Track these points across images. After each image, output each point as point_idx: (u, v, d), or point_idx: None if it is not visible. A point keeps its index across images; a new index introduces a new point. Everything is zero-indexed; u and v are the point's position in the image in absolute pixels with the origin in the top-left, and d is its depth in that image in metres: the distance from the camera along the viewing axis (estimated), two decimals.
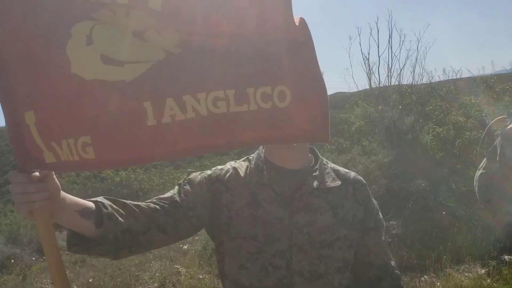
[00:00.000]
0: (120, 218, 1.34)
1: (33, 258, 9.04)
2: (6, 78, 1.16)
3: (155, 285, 5.51)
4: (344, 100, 16.88)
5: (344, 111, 13.77)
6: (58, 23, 1.11)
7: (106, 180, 14.89)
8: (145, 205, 1.43)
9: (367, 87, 10.40)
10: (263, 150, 1.58)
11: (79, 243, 1.33)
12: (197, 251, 6.43)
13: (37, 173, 1.22)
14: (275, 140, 1.33)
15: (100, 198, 1.38)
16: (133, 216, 1.38)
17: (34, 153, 1.20)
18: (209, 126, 1.22)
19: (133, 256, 7.58)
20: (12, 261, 8.49)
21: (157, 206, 1.44)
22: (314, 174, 1.51)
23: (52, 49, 1.11)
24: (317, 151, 1.62)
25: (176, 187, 1.54)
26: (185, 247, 6.96)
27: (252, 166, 1.54)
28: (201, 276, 5.39)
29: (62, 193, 1.28)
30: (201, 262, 5.99)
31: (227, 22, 1.21)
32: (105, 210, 1.32)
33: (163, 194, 1.52)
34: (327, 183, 1.51)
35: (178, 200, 1.47)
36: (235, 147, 1.30)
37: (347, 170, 1.63)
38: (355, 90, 11.42)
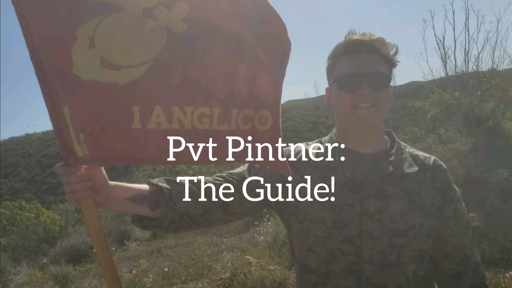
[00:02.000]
0: (178, 203, 1.36)
1: (113, 248, 9.55)
2: (44, 74, 1.21)
3: (227, 275, 5.59)
4: (417, 89, 16.22)
5: (418, 100, 13.20)
6: (66, 25, 1.15)
7: (180, 174, 15.40)
8: (212, 182, 1.45)
9: (443, 74, 9.85)
10: (336, 132, 1.52)
11: (139, 219, 1.39)
12: (268, 242, 6.45)
13: (85, 166, 1.27)
14: (239, 159, 1.38)
15: (160, 181, 1.39)
16: (193, 199, 1.39)
17: (72, 148, 1.24)
18: (191, 139, 1.27)
19: (205, 247, 7.77)
20: (94, 251, 9.00)
21: (225, 182, 1.45)
22: (390, 159, 1.42)
23: (61, 51, 1.16)
24: (394, 134, 1.53)
25: (246, 164, 1.53)
26: (260, 239, 7.01)
27: (323, 149, 1.49)
28: (271, 267, 5.39)
29: (112, 183, 1.32)
30: (272, 253, 6.00)
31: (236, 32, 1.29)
32: (163, 197, 1.35)
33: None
34: (403, 169, 1.42)
35: (247, 177, 1.47)
36: (206, 162, 1.33)
37: (427, 155, 1.51)
38: (430, 78, 10.84)
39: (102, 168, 1.29)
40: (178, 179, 1.43)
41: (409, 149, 1.51)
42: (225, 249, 7.36)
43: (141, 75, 1.19)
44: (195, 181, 1.44)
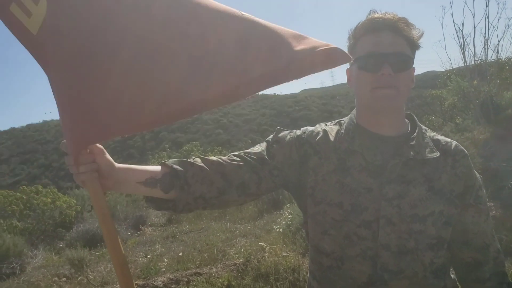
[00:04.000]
0: (193, 187, 1.34)
1: (129, 233, 9.65)
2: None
3: (241, 260, 5.61)
4: (435, 78, 15.96)
5: (435, 89, 13.01)
6: None
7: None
8: (229, 161, 1.42)
9: (461, 64, 9.69)
10: (355, 114, 1.48)
11: (153, 200, 1.38)
12: (282, 229, 6.45)
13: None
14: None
15: (175, 163, 1.37)
16: (208, 182, 1.37)
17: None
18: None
19: (220, 233, 7.81)
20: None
21: (242, 162, 1.42)
22: (411, 143, 1.38)
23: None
24: (415, 117, 1.49)
25: (264, 143, 1.51)
26: (274, 226, 7.01)
27: (343, 130, 1.45)
28: (285, 254, 5.39)
29: (121, 167, 1.32)
30: (285, 240, 6.00)
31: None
32: (177, 181, 1.33)
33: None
34: (424, 154, 1.38)
35: (266, 157, 1.44)
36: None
37: (448, 140, 1.47)
38: (448, 67, 10.63)
39: (105, 153, 1.29)
40: (193, 159, 1.41)
41: (430, 133, 1.47)
42: (239, 235, 7.38)
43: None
44: (211, 162, 1.41)
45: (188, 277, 5.51)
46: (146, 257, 6.96)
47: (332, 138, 1.45)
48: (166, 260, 6.39)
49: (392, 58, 1.32)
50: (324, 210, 1.40)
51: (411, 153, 1.36)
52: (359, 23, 1.40)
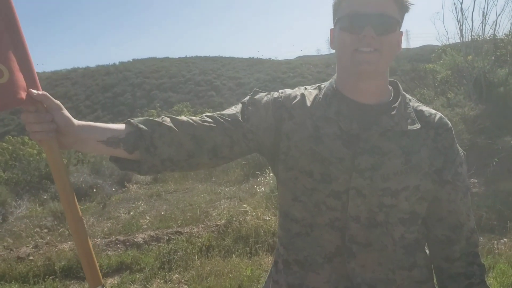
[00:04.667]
0: (159, 148, 1.27)
1: (113, 189, 9.67)
2: None
3: (222, 222, 5.64)
4: (431, 52, 15.80)
5: (430, 63, 12.89)
6: None
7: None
8: (201, 123, 1.34)
9: (458, 39, 9.52)
10: (336, 79, 1.40)
11: (117, 160, 1.32)
12: (266, 193, 6.47)
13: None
14: None
15: (141, 122, 1.30)
16: (177, 144, 1.30)
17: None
18: None
19: (204, 194, 7.85)
20: (94, 190, 9.14)
21: (215, 124, 1.35)
22: (392, 113, 1.31)
23: None
24: (400, 85, 1.41)
25: (240, 105, 1.43)
26: (258, 189, 7.05)
27: (321, 96, 1.38)
28: (267, 218, 5.43)
29: (81, 124, 1.26)
30: (268, 204, 6.03)
31: None
32: (142, 142, 1.27)
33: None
34: (404, 125, 1.31)
35: (240, 119, 1.37)
36: None
37: (433, 111, 1.39)
38: (445, 41, 10.46)
39: (63, 110, 1.24)
40: (161, 119, 1.33)
41: (414, 103, 1.39)
42: (223, 197, 7.41)
43: None
44: (181, 122, 1.33)
45: (169, 235, 5.55)
46: (129, 213, 6.99)
47: (309, 103, 1.37)
48: (148, 218, 6.43)
49: (375, 19, 1.23)
50: (295, 176, 1.34)
51: (390, 123, 1.29)
52: None
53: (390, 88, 1.40)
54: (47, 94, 1.25)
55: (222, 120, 1.36)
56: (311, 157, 1.31)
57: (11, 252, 5.40)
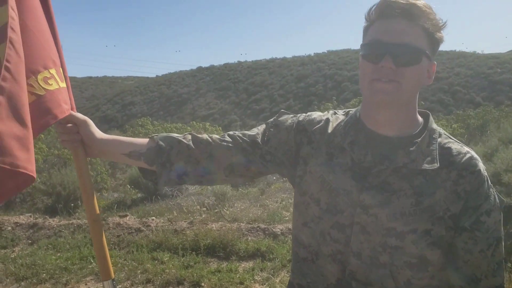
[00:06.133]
0: (176, 165, 1.41)
1: (274, 178, 10.14)
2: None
3: None
4: None
5: None
6: None
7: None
8: (219, 142, 1.44)
9: None
10: (360, 107, 1.35)
11: (140, 170, 1.51)
12: None
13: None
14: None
15: (161, 139, 1.44)
16: (194, 161, 1.42)
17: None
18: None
19: None
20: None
21: (232, 144, 1.43)
22: (410, 148, 1.21)
23: None
24: (431, 117, 1.29)
25: (263, 126, 1.49)
26: None
27: (343, 123, 1.35)
28: None
29: (105, 138, 1.47)
30: None
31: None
32: (159, 158, 1.41)
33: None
34: (421, 164, 1.20)
35: (259, 141, 1.43)
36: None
37: (464, 150, 1.24)
38: None
39: (88, 126, 1.46)
40: (183, 136, 1.47)
41: (444, 139, 1.26)
42: None
43: None
44: (200, 140, 1.45)
45: None
46: (276, 203, 7.31)
47: (330, 130, 1.35)
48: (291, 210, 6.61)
49: (395, 49, 1.15)
50: (307, 202, 1.34)
51: (405, 160, 1.20)
52: (373, 4, 1.23)
53: (421, 120, 1.30)
54: (72, 112, 1.49)
55: (240, 141, 1.43)
56: (320, 185, 1.31)
57: (171, 224, 6.18)
